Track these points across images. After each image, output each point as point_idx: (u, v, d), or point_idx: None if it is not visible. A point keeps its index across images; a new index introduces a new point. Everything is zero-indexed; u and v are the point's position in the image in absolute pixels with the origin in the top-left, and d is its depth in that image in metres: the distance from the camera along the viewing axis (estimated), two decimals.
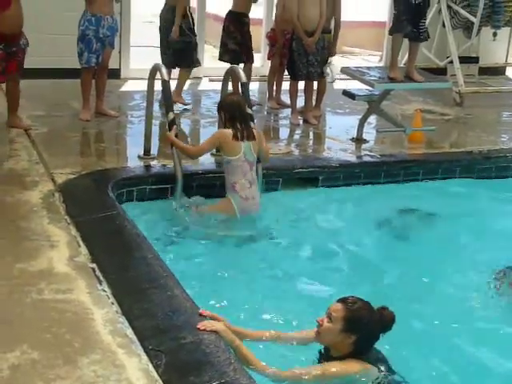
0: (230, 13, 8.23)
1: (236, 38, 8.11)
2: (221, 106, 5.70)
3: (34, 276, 4.10)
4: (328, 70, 8.46)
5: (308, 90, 7.84)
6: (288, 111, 8.00)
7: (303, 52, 7.60)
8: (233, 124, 5.49)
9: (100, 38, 7.09)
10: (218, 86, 6.56)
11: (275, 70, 8.39)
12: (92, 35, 7.06)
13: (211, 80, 9.31)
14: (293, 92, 7.85)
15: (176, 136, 5.65)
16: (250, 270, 4.91)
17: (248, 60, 8.24)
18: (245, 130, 5.49)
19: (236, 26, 8.12)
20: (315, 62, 7.67)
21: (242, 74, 6.10)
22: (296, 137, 7.53)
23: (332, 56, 8.23)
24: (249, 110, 5.81)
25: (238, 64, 7.77)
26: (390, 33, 7.50)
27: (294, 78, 7.81)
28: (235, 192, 5.45)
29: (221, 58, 8.26)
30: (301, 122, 7.71)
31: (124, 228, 4.74)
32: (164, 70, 5.83)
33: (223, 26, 8.28)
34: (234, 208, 5.45)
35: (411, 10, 7.01)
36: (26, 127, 6.76)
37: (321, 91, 8.10)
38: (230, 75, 6.34)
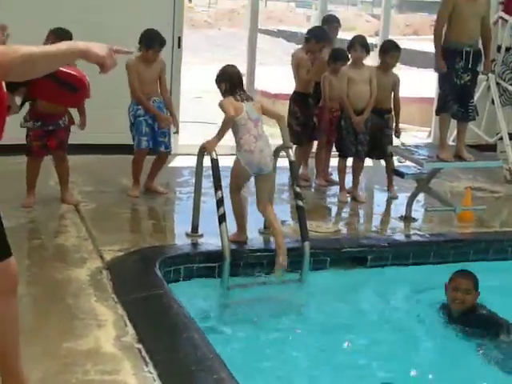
0: (294, 93, 8.30)
1: (299, 119, 8.16)
2: (221, 78, 6.05)
3: (81, 355, 4.11)
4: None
5: (356, 167, 7.83)
6: (336, 188, 7.99)
7: (352, 130, 7.62)
8: (232, 91, 5.92)
9: (149, 120, 7.21)
10: None
11: (323, 147, 8.41)
12: (141, 119, 7.19)
13: None
14: (341, 169, 7.84)
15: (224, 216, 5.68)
16: (295, 353, 4.84)
17: (311, 140, 8.30)
18: (243, 93, 6.01)
19: (300, 107, 8.17)
20: (364, 141, 7.67)
21: (291, 152, 6.14)
22: (344, 215, 7.49)
23: (398, 136, 8.17)
24: (297, 189, 5.88)
25: (300, 145, 7.93)
26: (437, 113, 7.49)
27: (343, 156, 7.82)
28: (240, 147, 5.94)
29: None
30: (349, 199, 7.69)
31: (171, 307, 4.73)
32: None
33: (288, 107, 8.33)
34: (241, 164, 5.93)
35: (457, 90, 7.01)
36: (75, 203, 6.85)
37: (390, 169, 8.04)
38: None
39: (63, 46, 2.95)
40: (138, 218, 6.98)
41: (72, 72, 3.64)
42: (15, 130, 7.68)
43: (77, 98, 3.73)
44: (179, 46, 8.98)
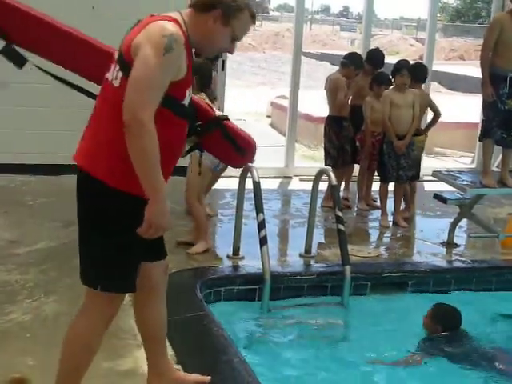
0: (328, 117, 8.31)
1: (334, 143, 8.16)
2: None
3: (120, 375, 4.16)
4: None
5: (397, 192, 7.80)
6: (378, 213, 7.96)
7: (393, 155, 7.60)
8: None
9: None
10: (308, 185, 6.62)
11: (364, 172, 8.40)
12: None
13: (301, 180, 9.36)
14: (383, 194, 7.83)
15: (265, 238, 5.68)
16: (335, 377, 4.81)
17: (346, 164, 8.30)
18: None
19: (334, 131, 8.18)
20: (406, 165, 7.65)
21: (333, 176, 6.13)
22: (385, 239, 7.44)
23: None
24: (339, 213, 5.89)
25: (337, 168, 7.92)
26: (480, 139, 7.44)
27: (384, 181, 7.80)
28: None
29: (325, 163, 8.23)
30: (390, 224, 7.65)
31: (211, 329, 4.73)
32: (255, 171, 5.89)
33: (324, 131, 8.35)
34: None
35: (501, 116, 6.96)
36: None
37: (412, 192, 8.07)
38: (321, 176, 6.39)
39: (160, 182, 3.08)
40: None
41: (245, 135, 3.73)
42: None
43: (240, 161, 3.82)
44: (223, 68, 9.06)
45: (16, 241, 6.34)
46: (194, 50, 3.32)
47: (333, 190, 6.15)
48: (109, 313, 3.45)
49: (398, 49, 36.23)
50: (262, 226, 5.68)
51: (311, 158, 11.41)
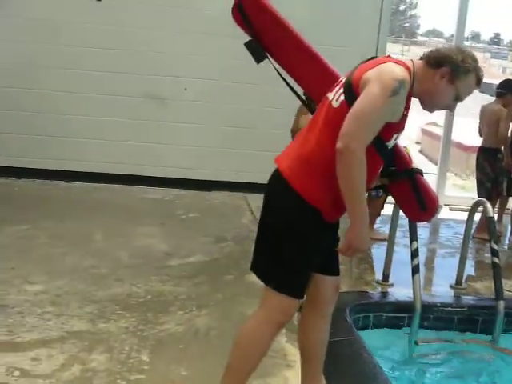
0: (482, 149, 8.14)
1: (489, 175, 7.99)
2: None
3: None
4: None
5: None
6: None
7: None
8: None
9: None
10: (458, 215, 6.48)
11: None
12: None
13: (452, 209, 9.19)
14: None
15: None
16: None
17: (500, 196, 8.10)
18: None
19: (490, 162, 8.00)
20: None
21: (490, 208, 5.98)
22: None
23: None
24: (494, 245, 5.73)
25: (489, 200, 7.71)
26: None
27: None
28: None
29: (478, 195, 8.07)
30: None
31: (360, 355, 4.69)
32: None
33: (476, 162, 8.18)
34: None
35: None
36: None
37: None
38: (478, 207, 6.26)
39: (363, 208, 3.22)
40: None
41: (432, 194, 3.81)
42: None
43: (419, 215, 3.89)
44: None
45: (170, 253, 6.52)
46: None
47: (489, 221, 5.97)
48: (278, 318, 3.50)
49: None
50: (415, 254, 5.60)
51: (462, 187, 11.19)
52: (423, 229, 8.41)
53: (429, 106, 3.45)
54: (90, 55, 8.82)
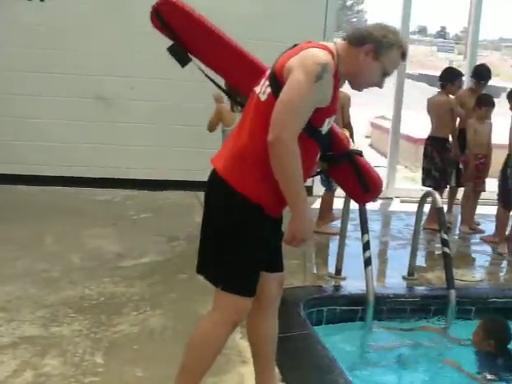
0: (431, 138, 8.22)
1: (437, 164, 8.08)
2: None
3: None
4: None
5: None
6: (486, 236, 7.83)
7: None
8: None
9: None
10: (409, 207, 6.53)
11: (469, 195, 8.27)
12: None
13: (403, 201, 9.29)
14: (502, 220, 7.62)
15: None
16: None
17: (446, 185, 8.20)
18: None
19: (438, 152, 8.09)
20: None
21: (439, 198, 6.05)
22: (490, 264, 7.29)
23: None
24: (444, 236, 5.80)
25: (437, 189, 7.81)
26: None
27: (506, 208, 7.56)
28: None
29: (423, 184, 8.19)
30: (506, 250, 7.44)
31: (315, 349, 4.71)
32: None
33: (424, 152, 8.26)
34: None
35: None
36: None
37: None
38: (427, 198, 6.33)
39: (302, 198, 3.23)
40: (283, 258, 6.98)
41: (374, 174, 3.80)
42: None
43: (364, 197, 3.88)
44: None
45: (122, 254, 6.48)
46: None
47: (438, 212, 6.05)
48: (231, 318, 3.50)
49: (498, 70, 35.58)
50: (366, 246, 5.65)
51: (412, 179, 11.30)
52: (375, 222, 8.50)
53: (357, 85, 3.43)
54: (33, 57, 8.71)
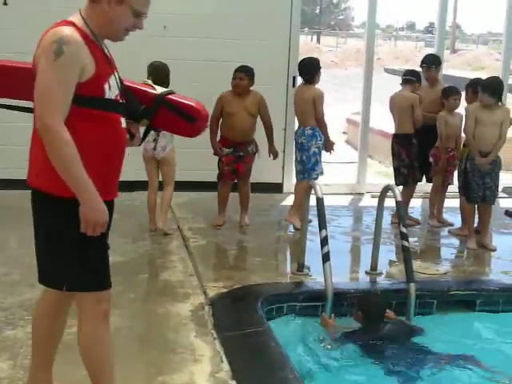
0: (397, 136, 8.22)
1: (404, 161, 8.08)
2: None
3: None
4: None
5: (485, 213, 7.53)
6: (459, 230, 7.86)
7: (478, 173, 7.36)
8: None
9: None
10: None
11: (438, 188, 8.27)
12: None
13: (373, 196, 9.27)
14: (468, 214, 7.58)
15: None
16: None
17: (415, 181, 8.22)
18: None
19: (405, 149, 8.09)
20: (492, 185, 7.38)
21: (398, 192, 6.03)
22: (456, 257, 7.27)
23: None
24: (403, 229, 5.78)
25: (407, 186, 7.99)
26: None
27: (469, 201, 7.50)
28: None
29: (396, 183, 8.04)
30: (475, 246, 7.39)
31: (268, 346, 4.69)
32: (318, 188, 5.85)
33: (392, 150, 8.27)
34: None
35: None
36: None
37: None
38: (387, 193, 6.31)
39: (84, 181, 3.17)
40: (246, 256, 7.01)
41: (190, 103, 3.78)
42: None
43: (194, 129, 3.86)
44: (294, 85, 9.08)
45: None
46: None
47: (397, 206, 6.04)
48: (99, 312, 3.51)
49: (483, 64, 35.66)
50: (324, 242, 5.64)
51: (386, 174, 11.28)
52: (346, 217, 8.54)
53: (115, 36, 3.39)
54: None
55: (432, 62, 8.44)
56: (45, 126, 3.10)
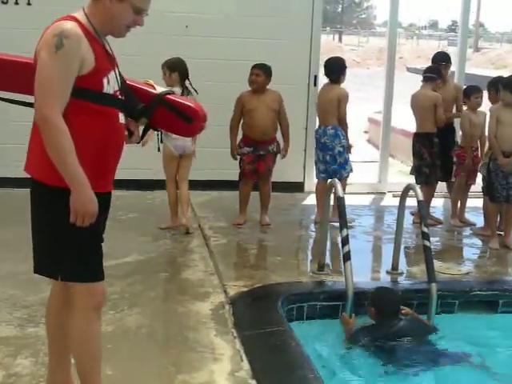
0: (416, 135, 8.18)
1: (426, 160, 8.04)
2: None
3: None
4: None
5: (508, 213, 7.48)
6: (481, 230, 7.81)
7: (501, 173, 7.30)
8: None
9: None
10: None
11: (461, 188, 8.22)
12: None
13: (394, 196, 9.23)
14: (491, 215, 7.52)
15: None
16: None
17: (437, 180, 8.19)
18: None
19: (426, 147, 8.05)
20: None
21: (419, 191, 5.99)
22: (478, 257, 7.22)
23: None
24: (425, 229, 5.75)
25: (429, 185, 7.98)
26: None
27: (492, 200, 7.45)
28: (168, 136, 6.71)
29: (416, 182, 8.08)
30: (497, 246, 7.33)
31: (288, 345, 4.69)
32: (339, 187, 5.83)
33: (413, 149, 8.23)
34: (169, 148, 7.10)
35: None
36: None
37: None
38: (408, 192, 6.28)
39: (77, 172, 3.21)
40: (267, 255, 7.01)
41: (188, 103, 3.83)
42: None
43: (191, 129, 3.90)
44: (315, 84, 9.06)
45: (106, 254, 6.45)
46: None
47: (419, 205, 6.00)
48: (91, 305, 3.52)
49: (506, 62, 35.42)
50: (345, 241, 5.61)
51: (407, 174, 11.21)
52: (367, 216, 8.51)
53: (117, 32, 3.43)
54: None
55: (441, 60, 8.39)
56: (43, 116, 3.17)
